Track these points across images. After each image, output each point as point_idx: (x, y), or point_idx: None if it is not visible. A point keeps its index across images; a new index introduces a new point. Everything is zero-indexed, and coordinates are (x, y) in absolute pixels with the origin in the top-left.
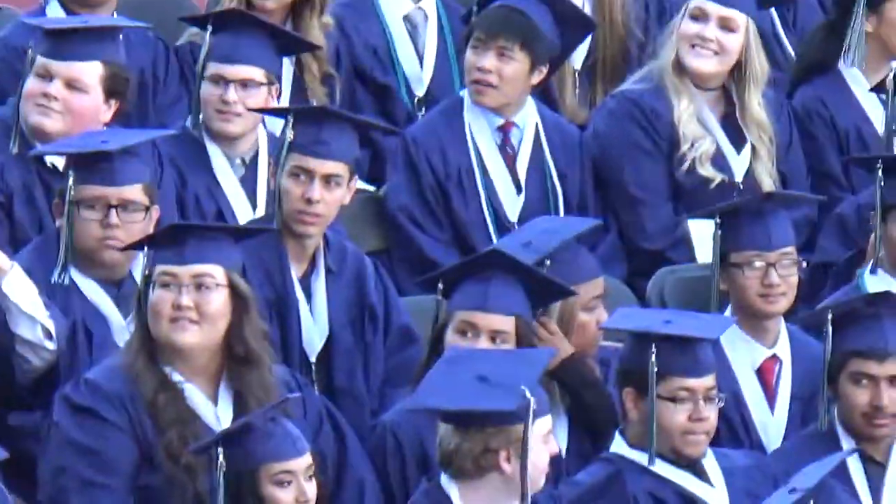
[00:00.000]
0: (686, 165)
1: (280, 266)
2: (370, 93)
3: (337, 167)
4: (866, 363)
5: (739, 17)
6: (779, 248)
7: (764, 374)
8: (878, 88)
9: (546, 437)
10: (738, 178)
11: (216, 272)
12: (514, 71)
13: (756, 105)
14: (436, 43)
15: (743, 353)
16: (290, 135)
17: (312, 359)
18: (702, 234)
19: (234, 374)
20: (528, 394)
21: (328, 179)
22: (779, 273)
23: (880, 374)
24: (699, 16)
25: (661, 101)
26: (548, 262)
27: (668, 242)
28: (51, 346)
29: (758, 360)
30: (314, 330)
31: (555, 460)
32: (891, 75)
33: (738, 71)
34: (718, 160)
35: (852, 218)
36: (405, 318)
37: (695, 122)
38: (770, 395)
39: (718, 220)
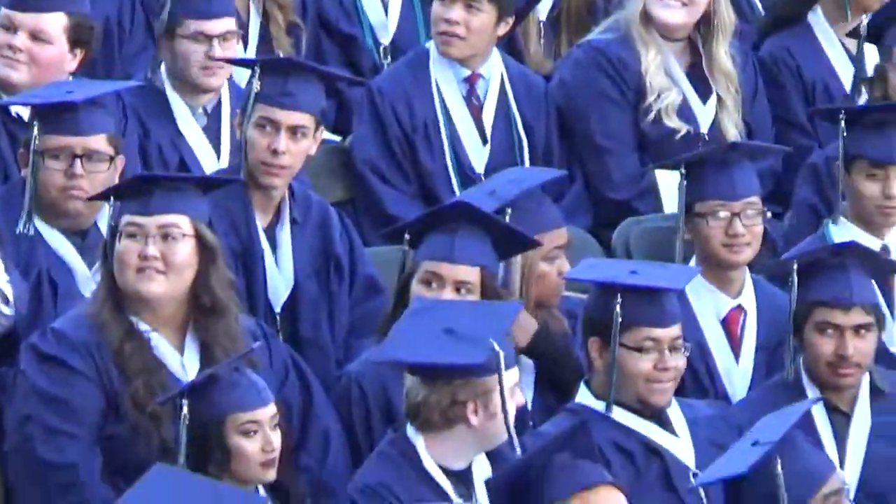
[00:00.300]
0: (652, 116)
1: (245, 217)
2: (336, 43)
3: (303, 118)
4: (832, 312)
5: None
6: (743, 198)
7: (729, 324)
8: (853, 32)
9: (511, 390)
10: (704, 128)
11: (182, 222)
12: (481, 22)
13: (723, 56)
14: None
15: (708, 303)
16: (256, 86)
17: (277, 309)
18: (669, 184)
19: (200, 324)
20: (496, 346)
21: (294, 131)
22: (743, 223)
23: (846, 324)
24: None
25: (629, 51)
26: (509, 211)
27: (634, 192)
28: (8, 311)
29: (723, 310)
30: (279, 280)
31: (520, 413)
32: (864, 23)
33: (706, 22)
34: (684, 111)
35: (823, 168)
36: (370, 269)
37: (662, 74)
38: (735, 345)
39: (683, 171)
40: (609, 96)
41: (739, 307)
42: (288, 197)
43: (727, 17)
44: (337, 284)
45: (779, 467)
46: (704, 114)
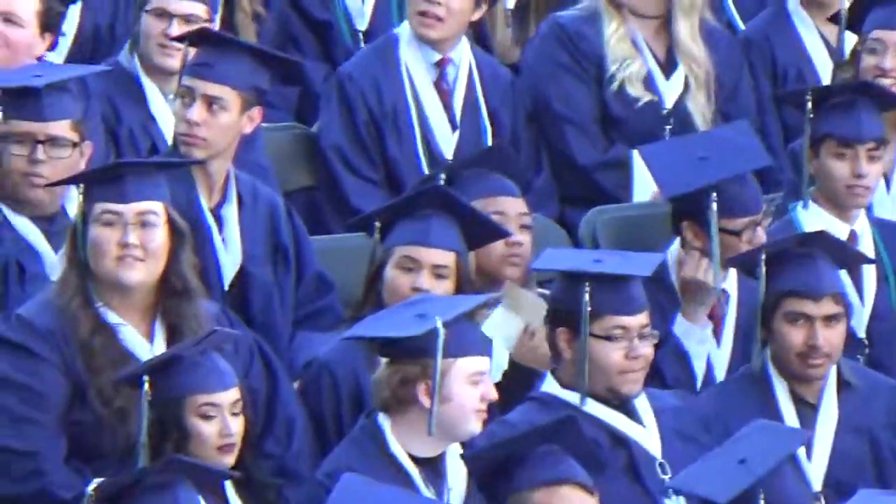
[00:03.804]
0: (615, 85)
1: (188, 196)
2: (310, 30)
3: (219, 90)
4: (802, 302)
5: None
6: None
7: (711, 309)
8: (834, 17)
9: (473, 378)
10: (668, 103)
11: (158, 208)
12: (460, 4)
13: (685, 36)
14: None
15: None
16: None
17: (225, 287)
18: (644, 170)
19: (169, 308)
20: (438, 323)
21: (210, 102)
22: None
23: (816, 314)
24: None
25: (591, 25)
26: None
27: (597, 161)
28: None
29: None
30: (226, 258)
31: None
32: (845, 7)
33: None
34: (650, 83)
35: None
36: (316, 265)
37: (626, 43)
38: (717, 329)
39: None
40: (568, 68)
41: (723, 291)
42: (234, 178)
43: None
44: (283, 274)
45: (761, 501)
46: (669, 88)
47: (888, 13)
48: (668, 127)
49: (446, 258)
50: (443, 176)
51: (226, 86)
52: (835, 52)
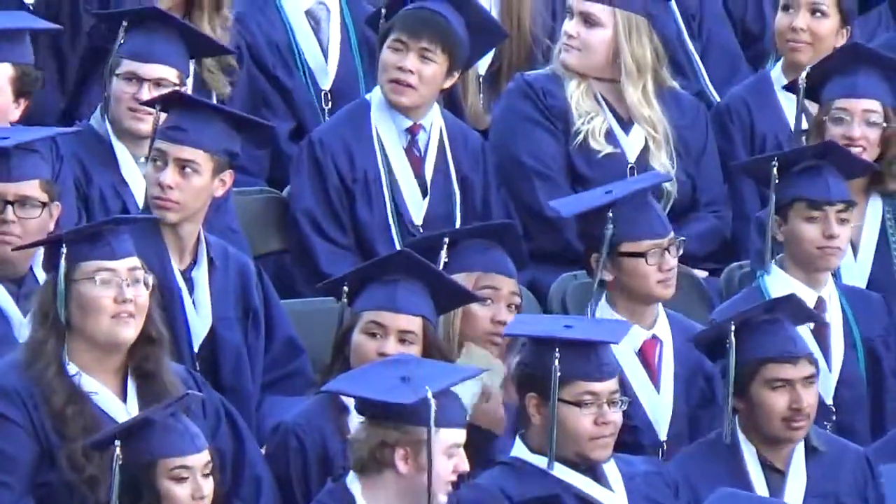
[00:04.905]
0: (580, 139)
1: (159, 257)
2: (277, 90)
3: (191, 153)
4: (781, 367)
5: (601, 12)
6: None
7: (645, 355)
8: (790, 87)
9: (451, 449)
10: (631, 157)
11: (140, 264)
12: (433, 72)
13: (635, 99)
14: (339, 37)
15: None
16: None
17: (195, 349)
18: None
19: (144, 356)
20: (429, 395)
21: (183, 165)
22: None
23: (796, 377)
24: (569, 11)
25: (555, 83)
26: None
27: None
28: None
29: (638, 341)
30: (197, 321)
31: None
32: (802, 76)
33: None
34: (611, 137)
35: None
36: (288, 329)
37: (590, 98)
38: (653, 375)
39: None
40: (536, 121)
41: (654, 337)
42: (204, 241)
43: (632, 59)
44: (254, 338)
45: None
46: (629, 143)
47: (850, 82)
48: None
49: (413, 324)
50: (446, 240)
51: (198, 149)
52: (798, 121)
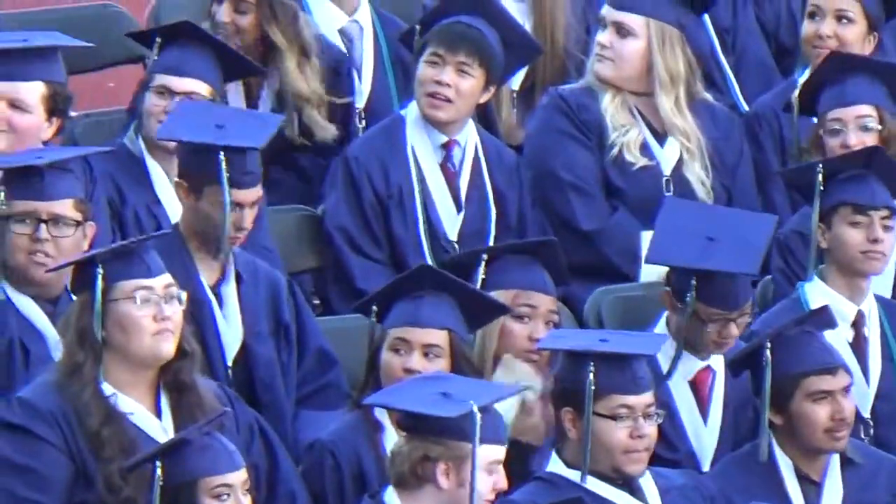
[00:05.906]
0: (615, 151)
1: (187, 272)
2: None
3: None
4: (821, 380)
5: (634, 22)
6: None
7: (697, 385)
8: (787, 107)
9: (491, 466)
10: (667, 170)
11: (173, 280)
12: (470, 87)
13: (668, 110)
14: (372, 55)
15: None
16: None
17: (228, 363)
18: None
19: (177, 370)
20: (475, 408)
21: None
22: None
23: (836, 387)
24: (602, 22)
25: (589, 96)
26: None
27: (600, 225)
28: None
29: (692, 371)
30: (228, 334)
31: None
32: (795, 94)
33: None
34: (646, 149)
35: (793, 238)
36: (320, 341)
37: (624, 111)
38: (703, 406)
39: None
40: (571, 135)
41: (708, 367)
42: (232, 256)
43: (665, 69)
44: (286, 353)
45: None
46: (664, 156)
47: (839, 91)
48: (668, 193)
49: (437, 337)
50: (484, 257)
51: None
52: (797, 138)
